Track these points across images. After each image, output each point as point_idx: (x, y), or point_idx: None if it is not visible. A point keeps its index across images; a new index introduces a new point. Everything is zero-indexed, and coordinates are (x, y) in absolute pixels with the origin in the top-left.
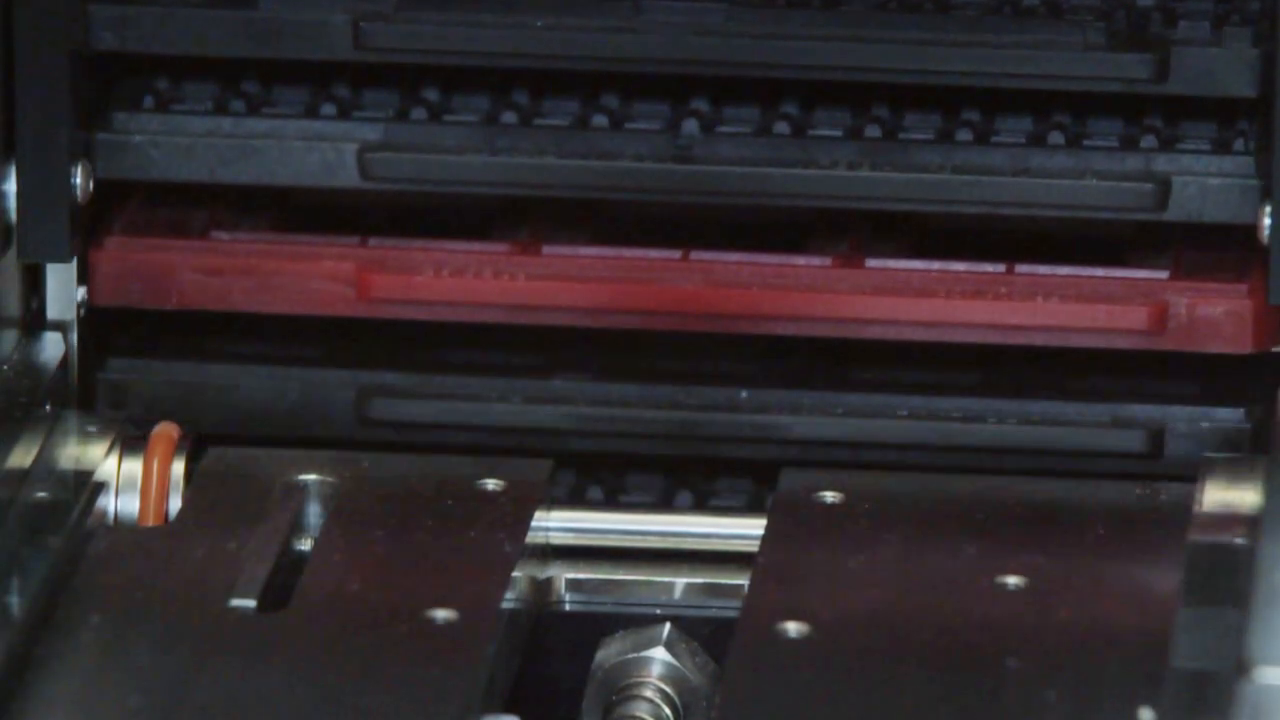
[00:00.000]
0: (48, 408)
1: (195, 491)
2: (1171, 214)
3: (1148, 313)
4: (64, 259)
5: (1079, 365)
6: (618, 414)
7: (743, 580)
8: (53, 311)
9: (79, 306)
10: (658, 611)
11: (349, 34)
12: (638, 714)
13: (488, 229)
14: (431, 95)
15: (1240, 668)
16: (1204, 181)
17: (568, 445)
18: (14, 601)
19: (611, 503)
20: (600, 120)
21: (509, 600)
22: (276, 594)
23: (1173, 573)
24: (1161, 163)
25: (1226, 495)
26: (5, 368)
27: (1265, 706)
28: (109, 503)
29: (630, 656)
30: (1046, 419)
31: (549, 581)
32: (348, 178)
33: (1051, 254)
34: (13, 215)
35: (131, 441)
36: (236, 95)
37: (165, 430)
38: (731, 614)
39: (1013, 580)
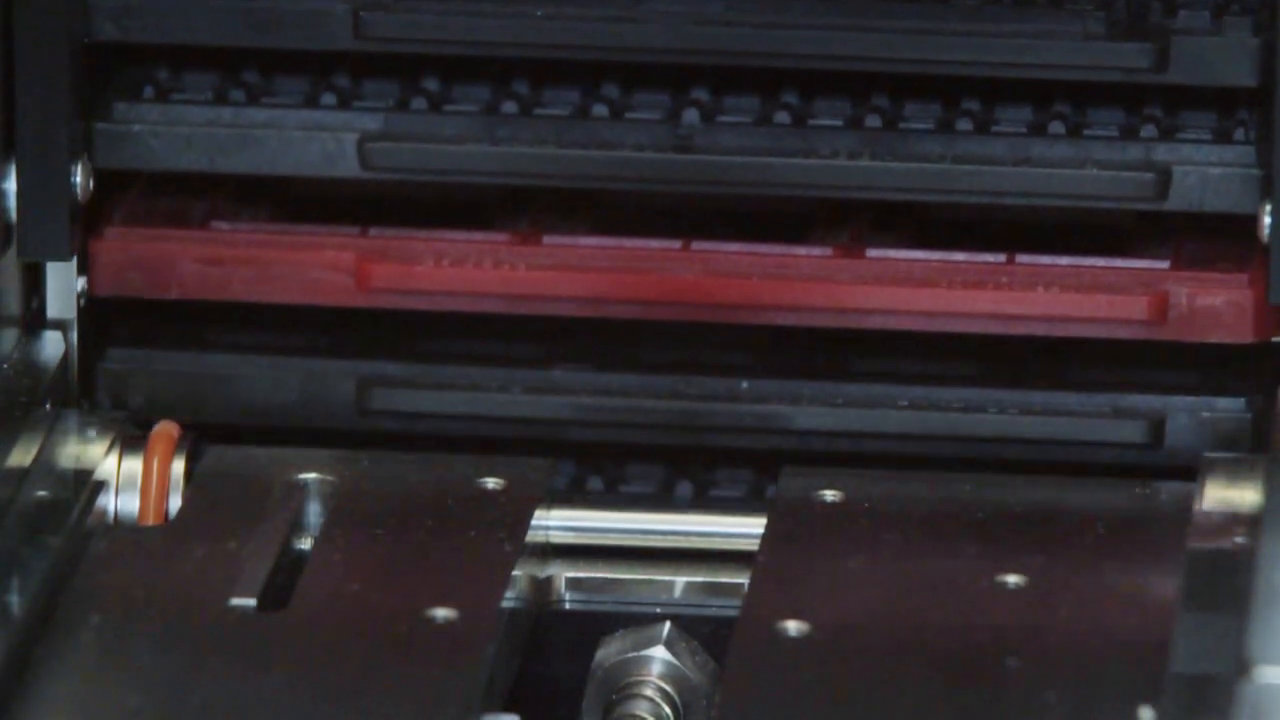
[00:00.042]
0: (48, 407)
1: (195, 491)
2: (1172, 203)
3: (1148, 302)
4: (64, 258)
5: (1080, 355)
6: (618, 404)
7: (743, 580)
8: (53, 310)
9: (79, 297)
10: (658, 611)
11: (349, 23)
12: (638, 713)
13: (488, 219)
14: (432, 85)
15: (1240, 667)
16: (1204, 171)
17: (568, 435)
18: (14, 601)
19: (612, 492)
20: (600, 110)
21: (509, 600)
22: (276, 594)
23: (1173, 573)
24: (1162, 152)
25: (1226, 495)
26: (5, 367)
27: (1265, 706)
28: (109, 502)
29: (630, 655)
30: (1047, 409)
31: (549, 581)
32: (348, 167)
33: (1052, 244)
34: (13, 214)
35: (131, 441)
36: (237, 85)
37: (165, 430)
38: (731, 613)
39: (1013, 579)
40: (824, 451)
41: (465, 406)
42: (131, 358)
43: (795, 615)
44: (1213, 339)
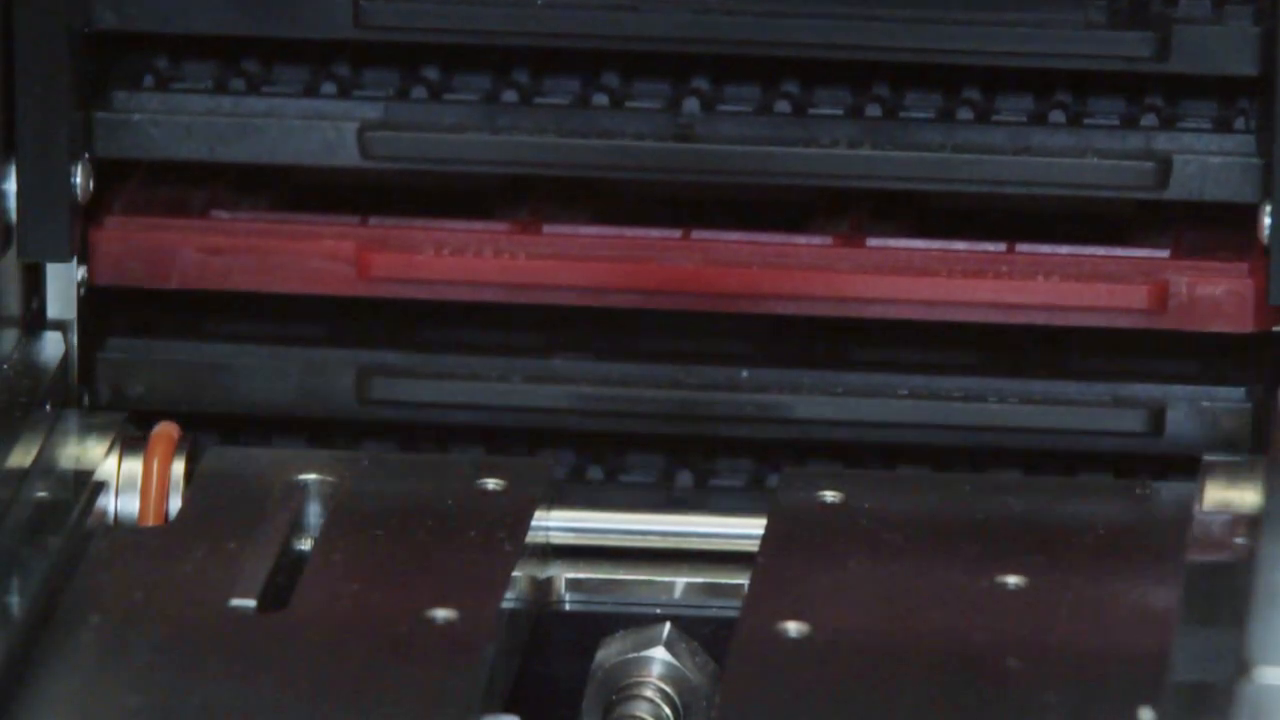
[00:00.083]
0: (48, 407)
1: (195, 491)
2: (1172, 193)
3: (1148, 292)
4: (64, 258)
5: (1080, 344)
6: (618, 393)
7: (743, 580)
8: (53, 310)
9: (79, 286)
10: (658, 611)
11: (349, 12)
12: (638, 714)
13: (488, 208)
14: (432, 74)
15: (1240, 668)
16: (1205, 160)
17: (568, 424)
18: (14, 601)
19: (611, 482)
20: (601, 99)
21: (509, 600)
22: (276, 594)
23: (1173, 574)
24: (1162, 141)
25: (1226, 496)
26: (5, 367)
27: (1265, 706)
28: (109, 503)
29: (630, 656)
30: (1047, 398)
31: (549, 581)
32: (348, 157)
33: (1052, 233)
34: (13, 215)
35: (131, 441)
36: (237, 74)
37: (165, 430)
38: (731, 614)
39: (1013, 580)
40: (824, 440)
41: (465, 396)
42: (131, 347)
43: (795, 616)
44: (1213, 328)
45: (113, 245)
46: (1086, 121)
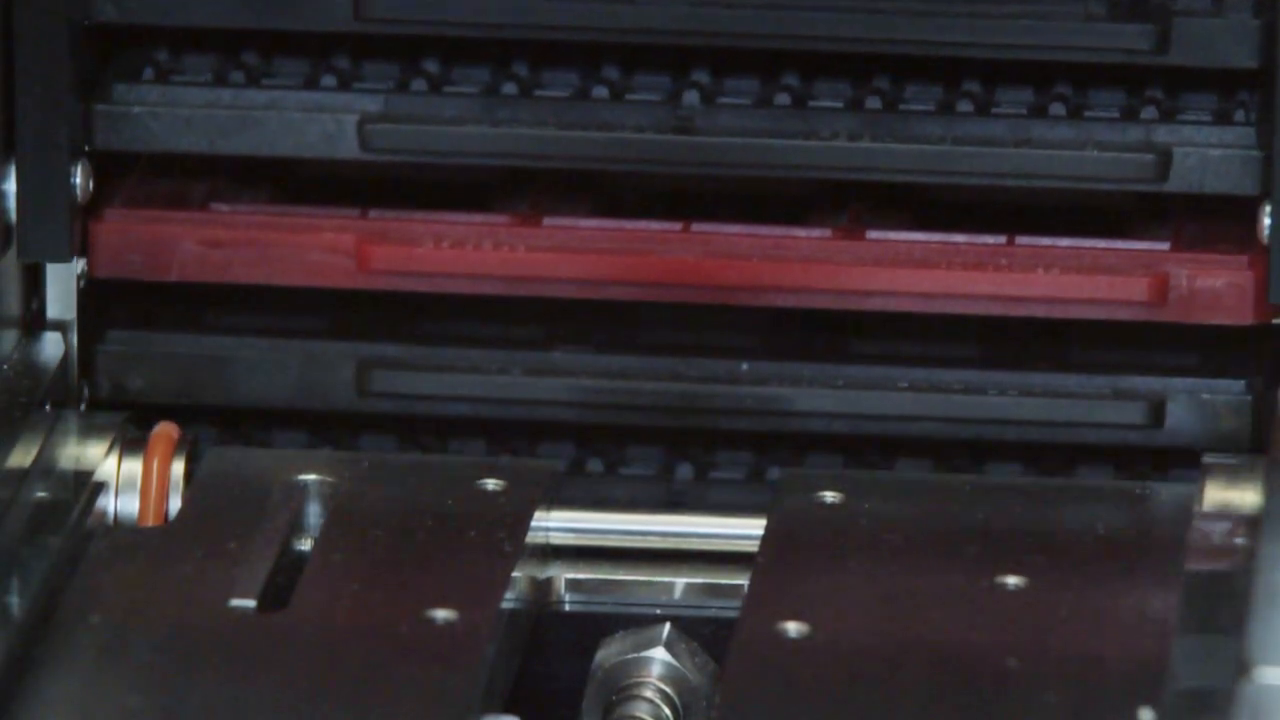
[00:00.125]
0: (48, 408)
1: (195, 491)
2: (1172, 185)
3: (1149, 284)
4: (64, 258)
5: (1080, 337)
6: (618, 386)
7: (743, 580)
8: (53, 310)
9: (79, 279)
10: (658, 611)
11: (349, 5)
12: (638, 714)
13: (488, 201)
14: (432, 66)
15: (1240, 668)
16: (1205, 153)
17: (567, 417)
18: (14, 601)
19: (611, 474)
20: (601, 92)
21: (509, 600)
22: (276, 594)
23: (1173, 574)
24: (1162, 134)
25: (1226, 496)
26: (5, 367)
27: (1265, 706)
28: (109, 503)
29: (630, 656)
30: (1047, 391)
31: (549, 581)
32: (348, 149)
33: (1052, 225)
34: (13, 215)
35: (131, 442)
36: (236, 66)
37: (165, 431)
38: (731, 614)
39: (1013, 580)
40: (824, 433)
41: (465, 388)
42: (131, 340)
43: (795, 616)
44: (1213, 320)
45: (113, 238)
46: (1087, 114)
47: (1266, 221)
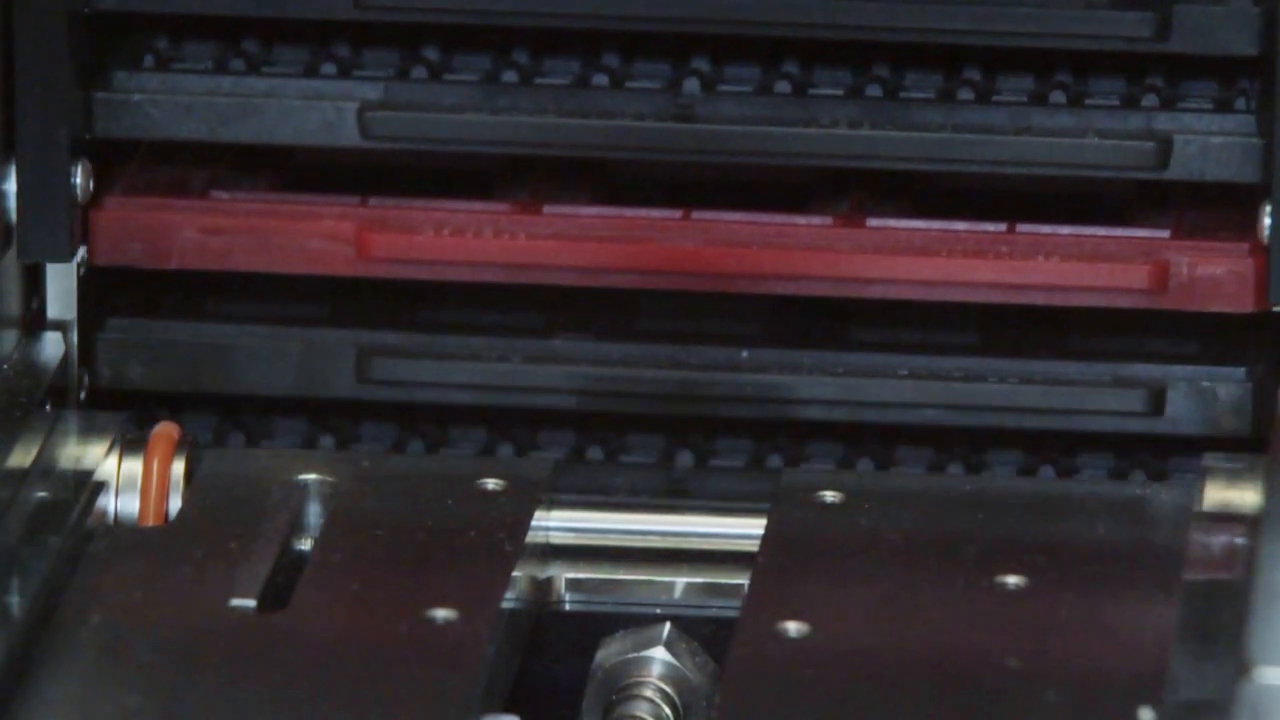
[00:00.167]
0: (48, 408)
1: (195, 492)
2: (1173, 173)
3: (1149, 272)
4: (64, 258)
5: (1080, 324)
6: (618, 373)
7: (743, 580)
8: (53, 310)
9: (79, 266)
10: (658, 611)
11: None
12: (638, 714)
13: (488, 188)
14: (432, 54)
15: (1240, 668)
16: (1205, 140)
17: (568, 405)
18: (14, 601)
19: (612, 462)
20: (601, 79)
21: (509, 600)
22: (276, 594)
23: (1174, 574)
24: (1163, 121)
25: (1226, 496)
26: (5, 367)
27: (1265, 706)
28: (109, 503)
29: (630, 656)
30: (1047, 378)
31: (549, 581)
32: (348, 137)
33: (1053, 213)
34: (13, 215)
35: (131, 441)
36: (237, 54)
37: (165, 430)
38: (731, 614)
39: (1012, 580)
40: (824, 421)
41: (465, 376)
42: (131, 328)
43: (795, 616)
44: (1213, 308)
45: (113, 225)
46: (1087, 102)
47: (1266, 222)
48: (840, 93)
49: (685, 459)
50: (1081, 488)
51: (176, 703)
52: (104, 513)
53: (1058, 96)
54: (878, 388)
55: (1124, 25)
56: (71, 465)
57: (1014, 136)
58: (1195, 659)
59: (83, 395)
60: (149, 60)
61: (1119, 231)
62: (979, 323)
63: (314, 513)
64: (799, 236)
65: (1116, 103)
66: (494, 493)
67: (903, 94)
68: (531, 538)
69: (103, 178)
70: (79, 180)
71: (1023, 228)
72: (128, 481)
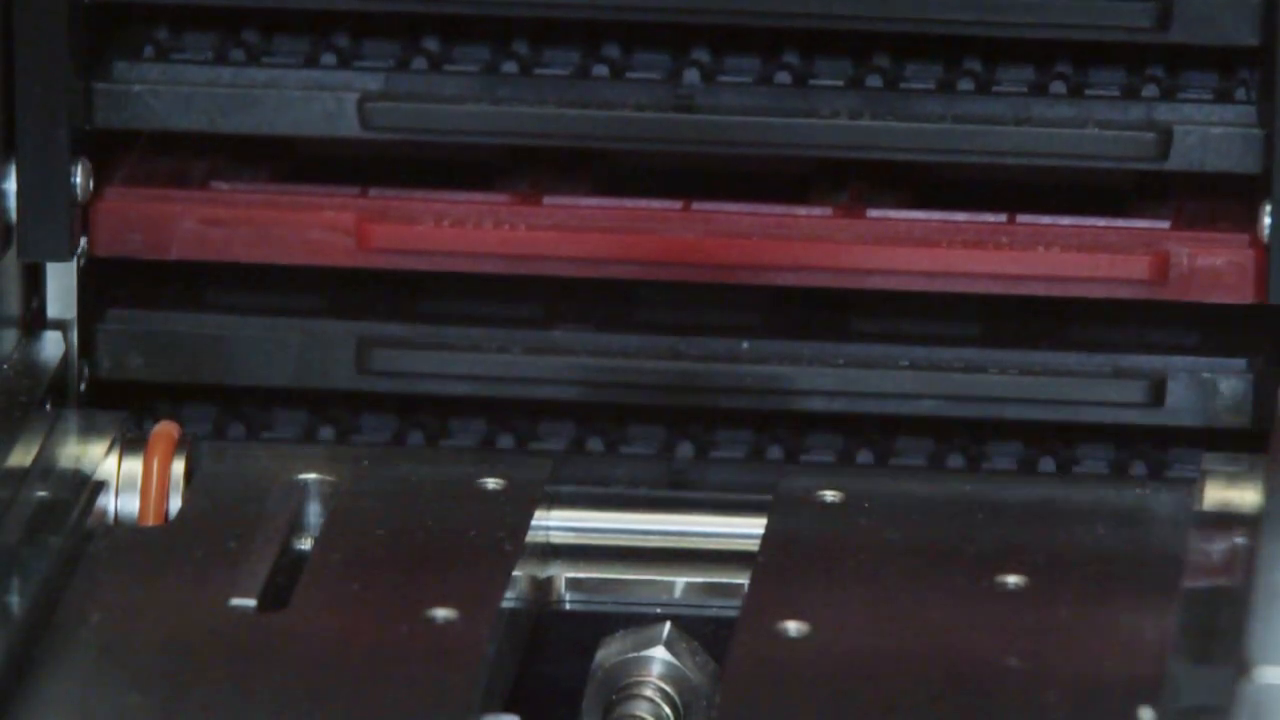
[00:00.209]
0: (48, 407)
1: (195, 491)
2: (1173, 163)
3: (1149, 262)
4: (64, 258)
5: (1080, 315)
6: (618, 364)
7: (743, 580)
8: (53, 310)
9: (79, 257)
10: (658, 611)
11: None
12: (638, 713)
13: (488, 179)
14: (432, 45)
15: (1240, 668)
16: (1206, 131)
17: (568, 396)
18: (14, 601)
19: (612, 453)
20: (601, 70)
21: (509, 600)
22: (276, 594)
23: (1173, 574)
24: (1163, 112)
25: (1226, 496)
26: (5, 367)
27: (1265, 706)
28: (109, 502)
29: (630, 656)
30: (1048, 369)
31: (549, 581)
32: (348, 127)
33: (1053, 204)
34: (13, 215)
35: (131, 441)
36: (237, 44)
37: (165, 430)
38: (731, 613)
39: (1012, 580)
40: (824, 411)
41: (465, 367)
42: (131, 319)
43: (795, 615)
44: (1214, 299)
45: (113, 216)
46: (1087, 92)
47: (1266, 221)
48: (840, 83)
49: (685, 450)
50: (1082, 488)
51: (176, 702)
52: (104, 512)
53: (1058, 87)
54: (878, 379)
55: (1124, 15)
56: (71, 465)
57: (1014, 127)
58: (1195, 660)
59: (83, 387)
60: (149, 51)
61: (1119, 222)
62: (979, 314)
63: (314, 512)
64: (799, 227)
65: (1117, 93)
66: (494, 492)
67: (903, 84)
68: (531, 537)
69: (103, 169)
70: (79, 180)
71: (1023, 218)
72: (128, 481)
